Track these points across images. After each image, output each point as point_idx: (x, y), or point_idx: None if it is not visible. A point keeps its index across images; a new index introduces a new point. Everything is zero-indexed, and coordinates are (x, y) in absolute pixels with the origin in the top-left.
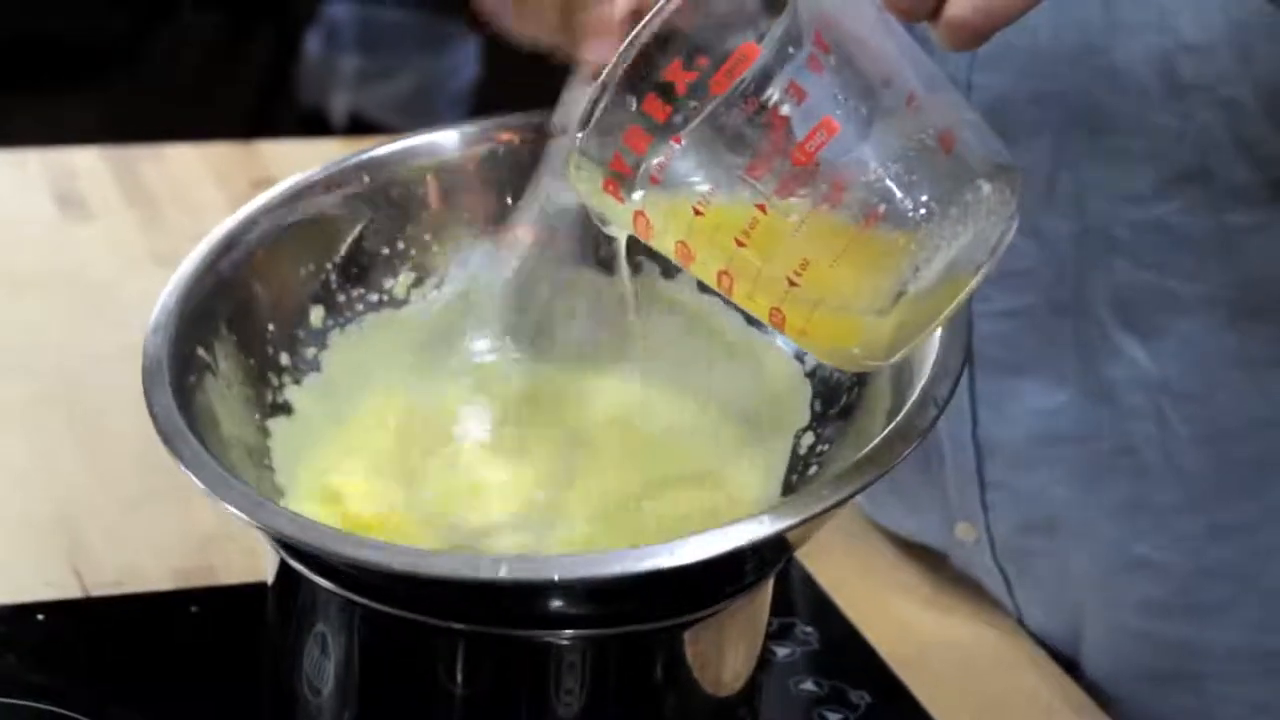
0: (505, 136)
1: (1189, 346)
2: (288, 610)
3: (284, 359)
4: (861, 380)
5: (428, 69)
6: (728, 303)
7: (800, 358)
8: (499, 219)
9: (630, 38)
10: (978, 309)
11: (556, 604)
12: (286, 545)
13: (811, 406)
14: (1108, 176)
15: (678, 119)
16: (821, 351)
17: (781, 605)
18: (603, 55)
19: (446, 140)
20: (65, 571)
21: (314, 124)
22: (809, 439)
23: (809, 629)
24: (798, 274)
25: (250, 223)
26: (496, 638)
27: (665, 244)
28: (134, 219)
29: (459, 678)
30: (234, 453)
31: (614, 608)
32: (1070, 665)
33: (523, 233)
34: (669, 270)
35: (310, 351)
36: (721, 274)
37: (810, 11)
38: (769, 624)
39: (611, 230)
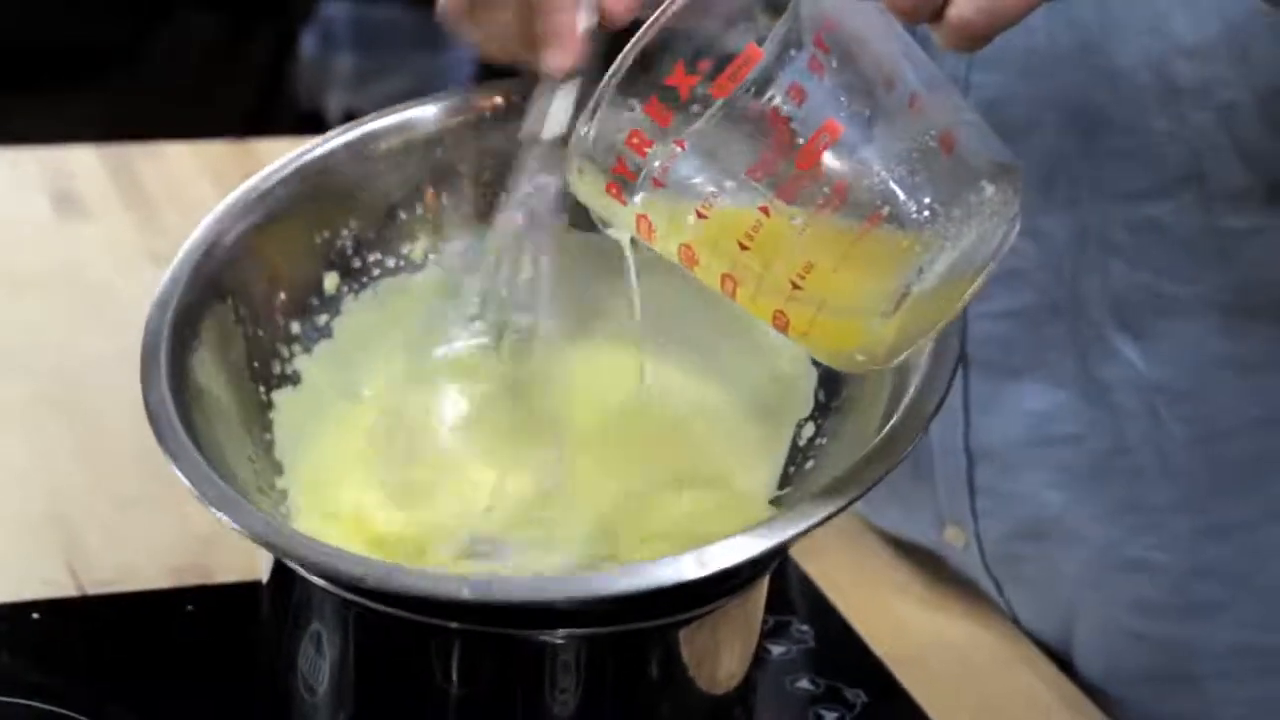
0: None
1: (1184, 348)
2: (283, 609)
3: (295, 328)
4: (861, 375)
5: (424, 68)
6: None
7: None
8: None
9: (633, 41)
10: (972, 310)
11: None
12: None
13: (815, 395)
14: (1104, 178)
15: (680, 122)
16: (823, 354)
17: (777, 603)
18: (563, 63)
19: (470, 100)
20: (61, 570)
21: (311, 123)
22: (809, 429)
23: (805, 627)
24: (801, 276)
25: (264, 191)
26: (491, 637)
27: (668, 247)
28: (131, 218)
29: (454, 676)
30: (231, 428)
31: (609, 607)
32: (1063, 666)
33: (504, 221)
34: None
35: (323, 318)
36: (725, 277)
37: (812, 13)
38: (764, 622)
39: (614, 233)
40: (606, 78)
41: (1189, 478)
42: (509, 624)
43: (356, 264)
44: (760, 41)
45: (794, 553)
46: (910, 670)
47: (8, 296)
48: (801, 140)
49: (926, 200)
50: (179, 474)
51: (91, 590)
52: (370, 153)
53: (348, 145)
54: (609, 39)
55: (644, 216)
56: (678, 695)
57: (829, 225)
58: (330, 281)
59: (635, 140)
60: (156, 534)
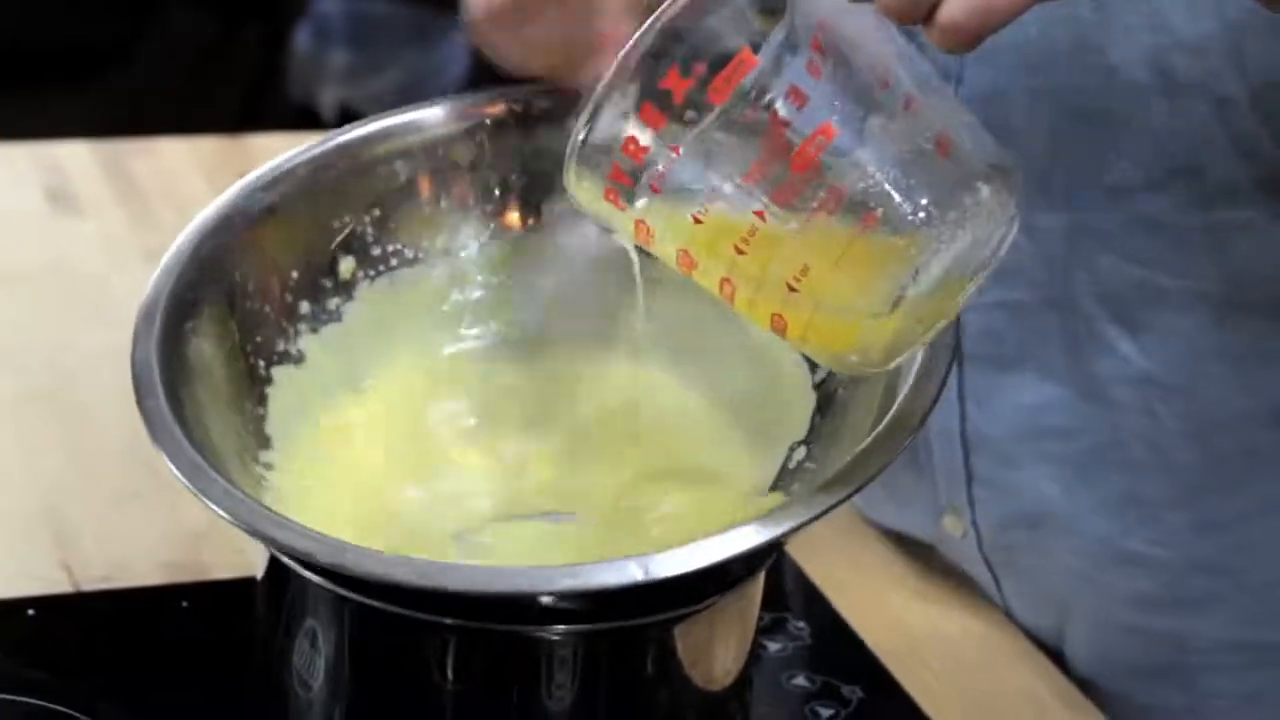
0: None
1: (1177, 341)
2: (278, 605)
3: (304, 307)
4: (853, 379)
5: (417, 63)
6: None
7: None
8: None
9: (629, 46)
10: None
11: (546, 600)
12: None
13: (811, 420)
14: (1098, 172)
15: (675, 127)
16: (821, 356)
17: (773, 600)
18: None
19: (504, 100)
20: (55, 566)
21: (304, 118)
22: (800, 453)
23: (801, 624)
24: (798, 279)
25: (290, 168)
26: (487, 633)
27: (667, 252)
28: (124, 214)
29: (449, 673)
30: (219, 393)
31: (605, 604)
32: (1056, 659)
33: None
34: None
35: (334, 301)
36: (724, 281)
37: (807, 16)
38: (760, 618)
39: (615, 237)
40: (602, 84)
41: (1183, 472)
42: (504, 620)
43: (376, 251)
44: (754, 45)
45: (790, 549)
46: (906, 666)
47: (0, 292)
48: (797, 144)
49: (922, 202)
50: (146, 427)
51: (85, 587)
52: (403, 143)
53: (384, 131)
54: None
55: (642, 222)
56: (674, 692)
57: (825, 228)
58: (346, 266)
59: (631, 146)
60: (150, 530)
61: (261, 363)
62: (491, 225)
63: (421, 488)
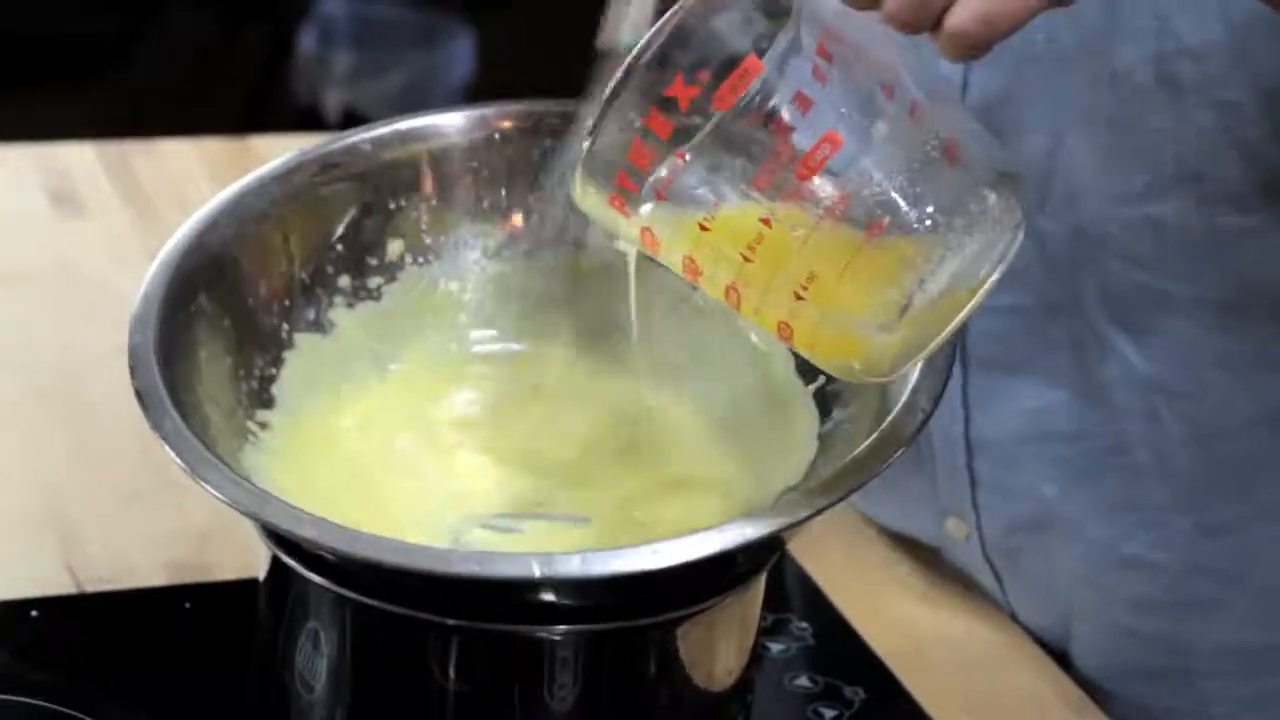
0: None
1: (1180, 346)
2: (280, 606)
3: (343, 281)
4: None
5: (422, 64)
6: None
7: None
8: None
9: (632, 55)
10: None
11: (549, 599)
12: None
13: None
14: (1102, 176)
15: (681, 134)
16: (828, 364)
17: (775, 600)
18: None
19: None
20: (58, 568)
21: (308, 119)
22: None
23: (803, 624)
24: (804, 287)
25: (352, 144)
26: (489, 633)
27: (673, 259)
28: (128, 215)
29: (451, 673)
30: (221, 344)
31: (607, 603)
32: (1061, 661)
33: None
34: None
35: (375, 280)
36: (729, 288)
37: (812, 23)
38: (763, 619)
39: (620, 245)
40: (607, 91)
41: (1187, 476)
42: (506, 620)
43: (427, 240)
44: (759, 51)
45: (792, 550)
46: (909, 667)
47: (4, 294)
48: (803, 151)
49: (928, 209)
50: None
51: (89, 588)
52: (484, 138)
53: (468, 121)
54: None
55: (648, 229)
56: (676, 692)
57: (831, 236)
58: (395, 247)
59: (636, 153)
60: (154, 531)
61: (286, 325)
62: (531, 228)
63: (419, 480)
